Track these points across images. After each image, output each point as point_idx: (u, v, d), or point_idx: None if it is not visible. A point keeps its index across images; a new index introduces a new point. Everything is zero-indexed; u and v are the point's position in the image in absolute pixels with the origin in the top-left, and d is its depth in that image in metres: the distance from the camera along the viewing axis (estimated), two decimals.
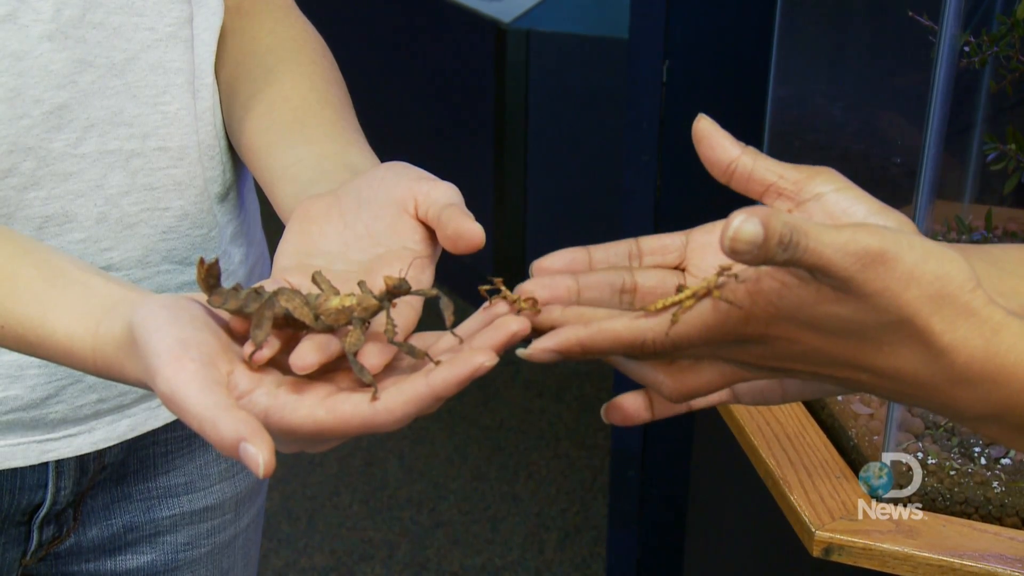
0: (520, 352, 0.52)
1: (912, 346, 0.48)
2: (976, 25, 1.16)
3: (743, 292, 0.48)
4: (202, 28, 0.82)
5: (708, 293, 0.49)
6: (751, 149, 0.55)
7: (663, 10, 1.61)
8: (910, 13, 1.11)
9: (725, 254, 0.44)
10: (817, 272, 0.45)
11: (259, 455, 0.48)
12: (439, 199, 0.60)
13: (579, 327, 0.51)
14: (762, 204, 0.56)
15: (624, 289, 0.57)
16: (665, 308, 0.50)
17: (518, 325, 0.54)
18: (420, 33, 3.12)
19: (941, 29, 0.96)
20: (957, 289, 0.47)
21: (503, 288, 0.56)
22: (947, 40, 0.96)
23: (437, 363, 0.52)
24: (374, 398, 0.51)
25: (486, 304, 0.56)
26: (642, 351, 0.51)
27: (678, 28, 1.62)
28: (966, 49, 1.11)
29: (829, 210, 0.54)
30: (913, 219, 0.70)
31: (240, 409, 0.50)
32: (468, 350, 0.52)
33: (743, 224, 0.43)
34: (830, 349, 0.49)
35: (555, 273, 0.56)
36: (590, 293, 0.56)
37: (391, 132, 2.99)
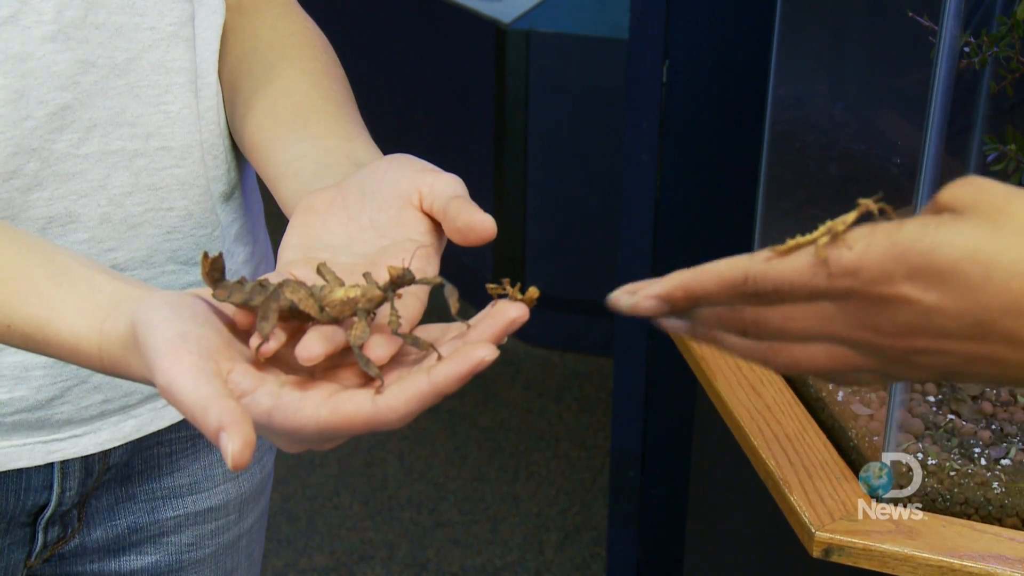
0: (623, 302, 0.50)
1: None
2: (976, 25, 1.16)
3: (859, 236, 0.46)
4: (204, 27, 0.81)
5: (842, 231, 0.46)
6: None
7: (663, 10, 1.61)
8: (910, 13, 1.10)
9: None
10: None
11: (229, 445, 0.47)
12: (444, 191, 0.60)
13: (683, 271, 0.50)
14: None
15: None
16: (798, 246, 0.48)
17: (516, 311, 0.54)
18: (420, 33, 3.12)
19: (941, 29, 0.96)
20: None
21: (509, 289, 0.55)
22: (947, 40, 0.96)
23: (440, 356, 0.52)
24: (379, 391, 0.51)
25: (493, 303, 0.56)
26: (743, 289, 0.49)
27: (678, 28, 1.62)
28: (966, 49, 1.11)
29: None
30: None
31: (230, 399, 0.49)
32: (469, 344, 0.51)
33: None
34: (962, 307, 0.43)
35: None
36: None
37: (391, 132, 2.99)
